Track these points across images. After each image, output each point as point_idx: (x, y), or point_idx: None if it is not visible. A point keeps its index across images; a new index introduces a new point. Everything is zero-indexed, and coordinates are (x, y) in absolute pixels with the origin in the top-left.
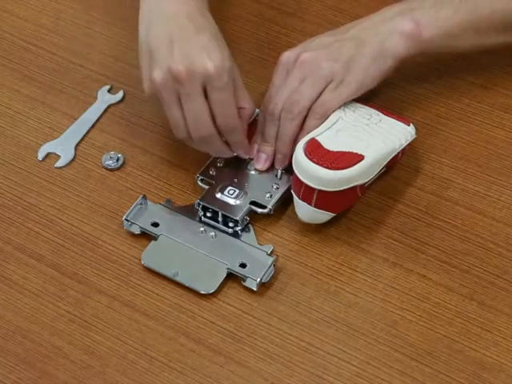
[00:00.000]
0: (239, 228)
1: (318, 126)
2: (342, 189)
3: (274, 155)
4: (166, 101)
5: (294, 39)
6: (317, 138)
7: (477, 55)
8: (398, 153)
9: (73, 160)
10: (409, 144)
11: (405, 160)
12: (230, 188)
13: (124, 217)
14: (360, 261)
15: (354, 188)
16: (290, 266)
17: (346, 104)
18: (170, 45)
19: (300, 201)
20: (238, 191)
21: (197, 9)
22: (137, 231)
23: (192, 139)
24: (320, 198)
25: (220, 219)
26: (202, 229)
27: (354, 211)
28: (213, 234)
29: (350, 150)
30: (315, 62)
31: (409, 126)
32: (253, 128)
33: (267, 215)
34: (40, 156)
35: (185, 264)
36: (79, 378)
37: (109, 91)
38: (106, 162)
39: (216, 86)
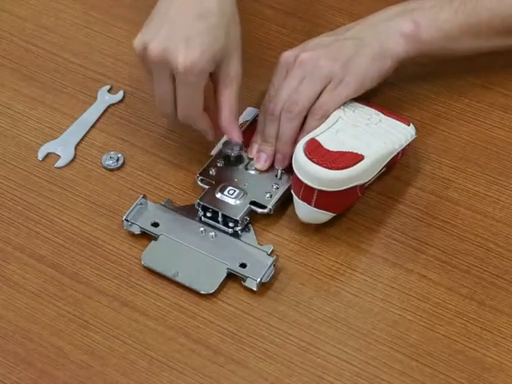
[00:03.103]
0: (239, 228)
1: (317, 127)
2: (342, 189)
3: (274, 155)
4: (143, 68)
5: (294, 39)
6: (317, 138)
7: (477, 55)
8: (398, 153)
9: (73, 160)
10: (409, 144)
11: (405, 160)
12: (230, 188)
13: (124, 217)
14: (360, 261)
15: (354, 188)
16: (290, 266)
17: (345, 104)
18: (164, 20)
19: (300, 201)
20: (238, 191)
21: None
22: (137, 231)
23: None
24: (320, 198)
25: (220, 219)
26: (201, 229)
27: (354, 211)
28: (213, 234)
29: (350, 150)
30: (314, 62)
31: (409, 125)
32: (253, 128)
33: (267, 215)
34: (40, 156)
35: (185, 264)
36: (79, 377)
37: (109, 91)
38: (106, 162)
39: (181, 81)
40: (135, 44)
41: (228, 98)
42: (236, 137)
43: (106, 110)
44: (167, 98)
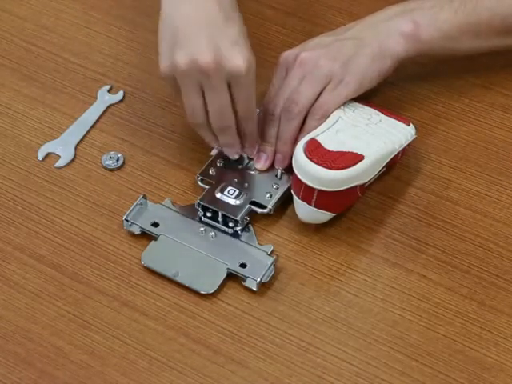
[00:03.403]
0: (239, 228)
1: (317, 127)
2: (342, 189)
3: (274, 155)
4: (186, 87)
5: (294, 39)
6: (317, 138)
7: (477, 55)
8: (398, 153)
9: (73, 160)
10: (409, 144)
11: (405, 160)
12: (230, 188)
13: (124, 217)
14: (360, 261)
15: (354, 188)
16: (290, 266)
17: (345, 104)
18: (199, 30)
19: (300, 201)
20: (237, 191)
21: None
22: (137, 231)
23: (206, 126)
24: (320, 198)
25: (220, 219)
26: (202, 229)
27: (354, 211)
28: (213, 234)
29: (350, 150)
30: (314, 62)
31: (409, 125)
32: None
33: (267, 215)
34: (40, 156)
35: (185, 264)
36: (79, 377)
37: (109, 91)
38: (106, 162)
39: (243, 82)
40: (179, 62)
41: None
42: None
43: (106, 110)
44: (226, 109)
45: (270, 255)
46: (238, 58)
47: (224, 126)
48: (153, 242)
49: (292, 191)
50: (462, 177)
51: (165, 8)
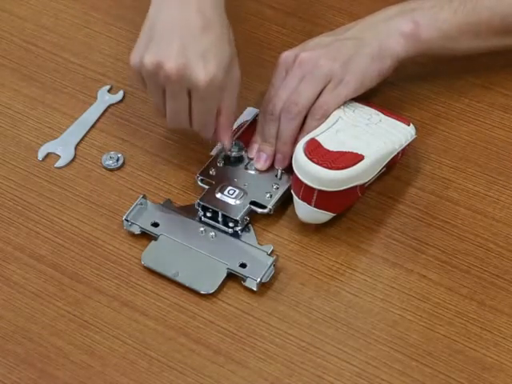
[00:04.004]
0: (239, 228)
1: (317, 127)
2: (342, 189)
3: (274, 155)
4: (149, 86)
5: (294, 39)
6: (317, 138)
7: (477, 55)
8: (398, 153)
9: (73, 160)
10: (409, 144)
11: (405, 160)
12: (230, 188)
13: (124, 217)
14: (360, 261)
15: (354, 188)
16: (290, 266)
17: (345, 104)
18: (173, 36)
19: (300, 201)
20: (238, 191)
21: (211, 1)
22: (137, 231)
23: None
24: (320, 198)
25: (220, 219)
26: (201, 229)
27: (354, 211)
28: (213, 234)
29: (350, 150)
30: (314, 62)
31: (409, 125)
32: (253, 128)
33: (267, 215)
34: (40, 156)
35: (185, 264)
36: (79, 377)
37: (109, 91)
38: (106, 162)
39: (201, 96)
40: (146, 63)
41: (228, 103)
42: (227, 143)
43: (106, 110)
44: (183, 113)
45: (270, 255)
46: (200, 71)
47: (177, 127)
48: (153, 242)
49: (292, 191)
50: (462, 177)
51: (151, 9)
